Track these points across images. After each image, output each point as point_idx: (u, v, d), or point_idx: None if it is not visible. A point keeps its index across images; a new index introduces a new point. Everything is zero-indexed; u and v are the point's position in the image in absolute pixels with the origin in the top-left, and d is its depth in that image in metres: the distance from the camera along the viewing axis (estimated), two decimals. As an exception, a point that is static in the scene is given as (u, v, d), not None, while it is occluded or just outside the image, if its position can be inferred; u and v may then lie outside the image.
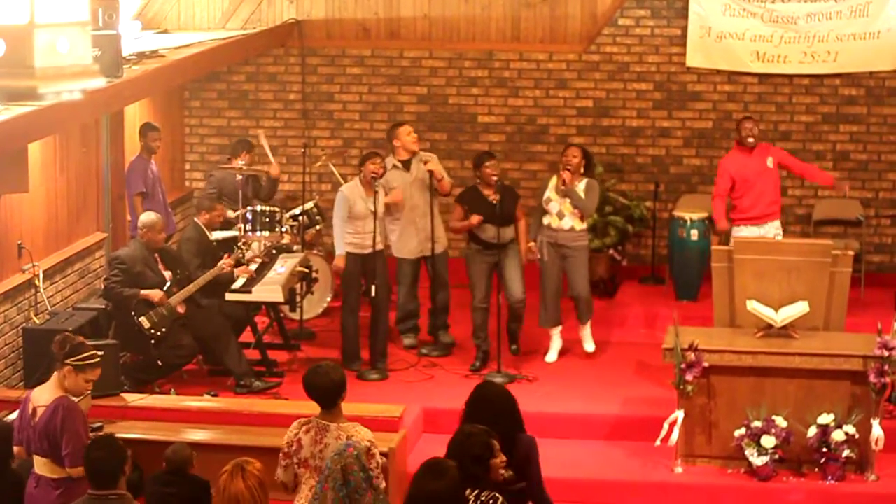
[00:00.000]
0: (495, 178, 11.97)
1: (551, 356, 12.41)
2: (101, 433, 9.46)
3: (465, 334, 12.58)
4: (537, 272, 12.33)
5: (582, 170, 12.16)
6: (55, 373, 8.12)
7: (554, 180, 12.21)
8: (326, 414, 7.58)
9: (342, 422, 7.53)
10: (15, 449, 8.30)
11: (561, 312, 12.38)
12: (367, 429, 7.61)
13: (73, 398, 8.09)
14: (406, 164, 12.58)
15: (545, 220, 12.18)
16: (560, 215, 12.12)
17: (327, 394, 7.57)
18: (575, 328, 12.49)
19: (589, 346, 12.47)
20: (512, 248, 12.06)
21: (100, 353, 8.38)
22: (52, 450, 7.95)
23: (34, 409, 8.05)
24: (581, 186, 12.12)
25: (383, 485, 7.24)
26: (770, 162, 12.41)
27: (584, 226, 12.26)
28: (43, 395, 8.09)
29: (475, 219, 11.97)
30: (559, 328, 12.42)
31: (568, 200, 12.09)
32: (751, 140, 12.35)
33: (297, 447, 7.57)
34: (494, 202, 11.86)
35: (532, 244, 12.19)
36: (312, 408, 7.73)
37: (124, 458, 7.30)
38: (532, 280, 12.35)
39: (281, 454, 7.63)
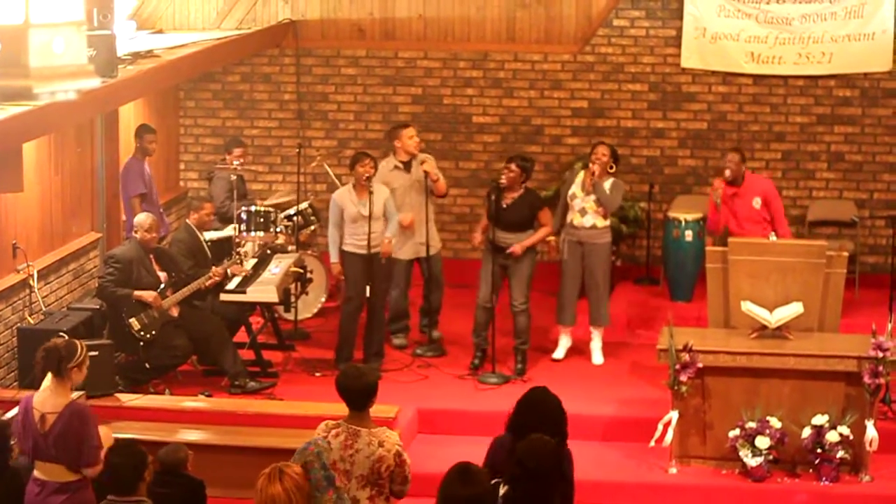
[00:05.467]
0: (502, 181, 11.93)
1: (559, 353, 12.40)
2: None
3: (460, 334, 12.58)
4: (554, 271, 12.33)
5: (611, 168, 12.18)
6: (56, 378, 8.00)
7: (580, 177, 12.22)
8: (355, 417, 7.52)
9: (372, 427, 7.49)
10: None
11: (577, 312, 12.37)
12: (395, 432, 7.59)
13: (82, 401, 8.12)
14: (407, 166, 12.57)
15: (568, 218, 12.18)
16: (582, 212, 12.12)
17: (359, 396, 7.53)
18: (585, 330, 12.47)
19: (597, 358, 12.39)
20: (523, 254, 11.98)
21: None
22: (67, 454, 7.88)
23: (42, 416, 7.92)
24: (607, 185, 12.12)
25: (408, 487, 7.38)
26: (757, 203, 12.24)
27: (607, 223, 12.23)
28: (49, 401, 7.95)
29: (476, 239, 12.13)
30: (572, 327, 12.42)
31: (592, 198, 12.08)
32: (727, 173, 12.22)
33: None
34: (503, 204, 11.84)
35: (552, 239, 12.19)
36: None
37: (144, 463, 7.28)
38: (548, 279, 12.33)
39: None
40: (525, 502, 6.56)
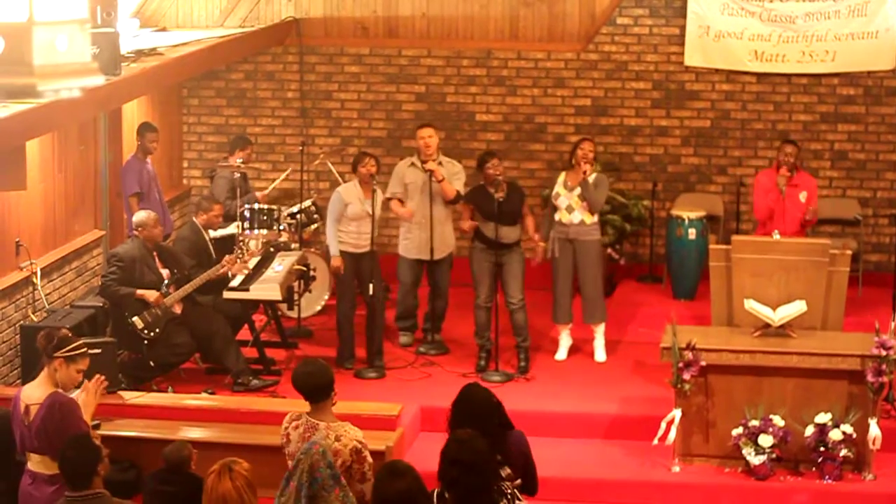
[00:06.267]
0: (498, 176, 11.95)
1: (561, 354, 12.41)
2: (97, 431, 9.46)
3: (463, 333, 12.58)
4: (549, 269, 12.33)
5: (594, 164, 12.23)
6: (44, 369, 8.03)
7: (563, 176, 12.22)
8: (315, 410, 7.56)
9: (332, 420, 7.51)
10: None
11: (573, 310, 12.37)
12: (358, 428, 7.58)
13: (66, 392, 8.03)
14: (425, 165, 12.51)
15: (556, 217, 12.17)
16: (569, 209, 12.12)
17: (314, 390, 7.57)
18: (586, 328, 12.46)
19: (599, 355, 12.39)
20: (515, 251, 12.01)
21: (96, 349, 8.33)
22: (49, 446, 7.87)
23: (27, 408, 7.96)
24: (590, 180, 12.12)
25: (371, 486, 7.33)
26: (803, 196, 12.16)
27: (595, 219, 12.23)
28: (34, 393, 7.99)
29: (466, 224, 12.04)
30: (570, 326, 12.42)
31: (576, 194, 12.08)
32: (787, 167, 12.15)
33: (286, 441, 7.60)
34: (498, 199, 11.84)
35: (544, 244, 12.18)
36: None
37: (97, 457, 7.24)
38: (546, 277, 12.34)
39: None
40: (472, 499, 6.52)
